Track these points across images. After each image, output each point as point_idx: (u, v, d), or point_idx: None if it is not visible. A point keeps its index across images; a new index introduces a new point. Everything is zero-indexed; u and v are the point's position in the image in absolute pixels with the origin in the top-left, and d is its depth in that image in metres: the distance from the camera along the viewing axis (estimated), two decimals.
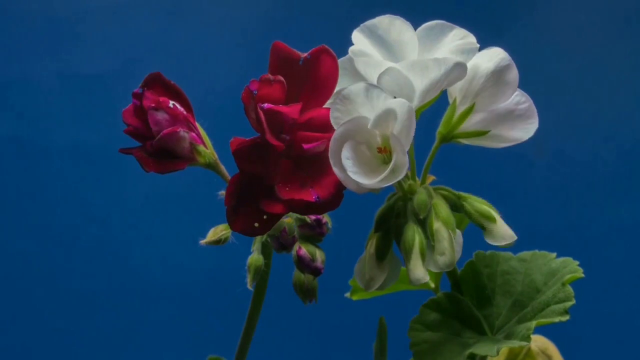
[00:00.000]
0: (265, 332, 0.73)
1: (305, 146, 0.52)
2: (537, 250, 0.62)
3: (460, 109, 0.56)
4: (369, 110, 0.51)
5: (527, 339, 0.55)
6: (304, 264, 0.59)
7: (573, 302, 0.56)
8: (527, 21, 1.43)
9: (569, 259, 0.59)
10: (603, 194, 1.37)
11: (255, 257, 0.60)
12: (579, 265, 0.58)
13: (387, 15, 0.55)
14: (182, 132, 0.55)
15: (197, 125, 0.58)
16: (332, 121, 0.51)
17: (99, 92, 1.36)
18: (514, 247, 0.63)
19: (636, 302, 1.34)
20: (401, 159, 0.50)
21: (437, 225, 0.54)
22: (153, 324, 1.35)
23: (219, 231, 0.59)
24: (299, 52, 0.55)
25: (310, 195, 0.51)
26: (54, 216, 1.36)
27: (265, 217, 0.52)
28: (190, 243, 0.64)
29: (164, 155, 0.56)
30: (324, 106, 0.55)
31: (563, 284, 0.57)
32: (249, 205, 0.53)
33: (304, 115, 0.54)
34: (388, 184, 0.51)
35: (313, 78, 0.54)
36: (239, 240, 0.60)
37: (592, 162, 1.37)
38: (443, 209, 0.55)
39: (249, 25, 1.40)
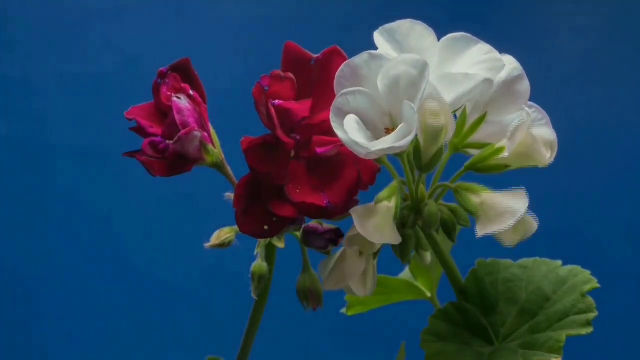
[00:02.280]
0: (267, 334, 0.73)
1: (318, 150, 0.52)
2: (538, 258, 0.61)
3: (472, 118, 0.55)
4: (373, 83, 0.51)
5: (559, 351, 0.55)
6: (317, 234, 0.57)
7: (596, 313, 0.56)
8: (527, 21, 1.42)
9: (577, 268, 0.59)
10: (602, 195, 1.37)
11: (258, 265, 0.60)
12: (591, 274, 0.58)
13: (409, 20, 0.54)
14: (196, 131, 0.55)
15: (209, 123, 0.57)
16: (336, 91, 0.51)
17: (100, 91, 1.36)
18: (516, 253, 0.62)
19: (636, 305, 1.34)
20: (406, 128, 0.49)
21: (478, 199, 0.52)
22: (154, 324, 1.35)
23: (223, 234, 0.58)
24: (311, 53, 0.55)
25: (322, 199, 0.51)
26: (55, 216, 1.36)
27: (274, 219, 0.52)
28: (192, 243, 0.63)
29: (174, 157, 0.55)
30: None
31: (582, 295, 0.57)
32: (259, 207, 0.52)
33: (317, 116, 0.54)
34: (391, 150, 0.49)
35: (324, 78, 0.54)
36: (242, 242, 0.59)
37: (592, 163, 1.37)
38: (471, 185, 0.53)
39: (250, 26, 1.40)
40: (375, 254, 0.57)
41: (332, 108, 0.50)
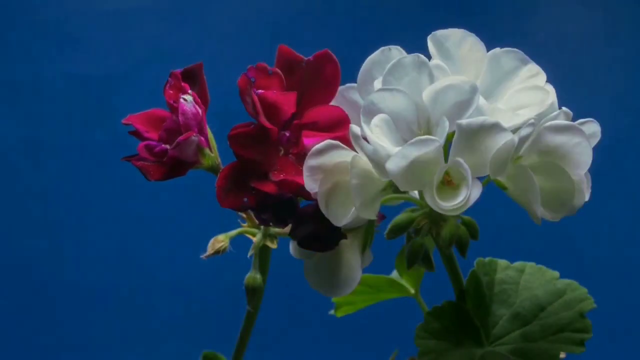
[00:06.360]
0: (264, 334, 0.73)
1: (306, 141, 0.52)
2: (534, 263, 0.61)
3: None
4: (416, 86, 0.50)
5: None
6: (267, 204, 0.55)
7: (591, 335, 0.56)
8: (520, 24, 1.43)
9: (575, 283, 0.59)
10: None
11: (252, 277, 0.60)
12: (587, 293, 0.58)
13: (461, 30, 0.53)
14: (194, 136, 0.55)
15: (207, 127, 0.58)
16: (383, 85, 0.50)
17: (106, 93, 1.36)
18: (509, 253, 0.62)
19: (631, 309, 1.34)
20: (437, 137, 0.48)
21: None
22: (153, 319, 1.36)
23: (218, 243, 0.59)
24: (302, 56, 0.55)
25: (303, 179, 0.51)
26: (62, 215, 1.36)
27: (254, 192, 0.52)
28: (190, 242, 0.63)
29: (172, 161, 0.55)
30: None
31: (582, 315, 0.57)
32: (241, 187, 0.53)
33: (308, 116, 0.54)
34: (412, 155, 0.48)
35: (315, 81, 0.55)
36: (237, 247, 0.60)
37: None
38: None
39: (251, 29, 1.39)
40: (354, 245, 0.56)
41: (365, 101, 0.50)
